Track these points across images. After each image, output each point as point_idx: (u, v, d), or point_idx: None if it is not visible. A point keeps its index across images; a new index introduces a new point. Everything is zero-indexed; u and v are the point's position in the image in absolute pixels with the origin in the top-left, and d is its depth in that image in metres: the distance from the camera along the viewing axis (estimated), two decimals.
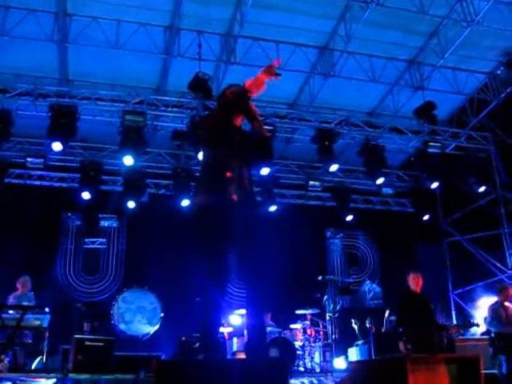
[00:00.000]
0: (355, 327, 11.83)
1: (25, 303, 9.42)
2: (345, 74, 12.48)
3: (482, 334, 10.55)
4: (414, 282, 9.18)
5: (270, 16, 11.26)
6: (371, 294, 14.28)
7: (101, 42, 11.15)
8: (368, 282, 14.15)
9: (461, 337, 10.32)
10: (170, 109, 12.37)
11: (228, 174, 4.61)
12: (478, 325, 9.96)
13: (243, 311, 10.96)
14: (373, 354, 10.37)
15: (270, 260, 5.11)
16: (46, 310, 8.76)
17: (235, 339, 11.00)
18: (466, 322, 10.24)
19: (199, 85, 11.38)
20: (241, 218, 4.55)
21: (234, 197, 4.58)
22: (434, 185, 13.91)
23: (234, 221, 4.54)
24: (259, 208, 4.71)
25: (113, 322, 11.90)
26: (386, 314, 10.91)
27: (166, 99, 12.38)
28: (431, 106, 12.61)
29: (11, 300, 9.85)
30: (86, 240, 14.13)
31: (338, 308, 14.04)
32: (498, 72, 12.94)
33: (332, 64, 12.24)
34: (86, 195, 13.11)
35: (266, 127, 5.07)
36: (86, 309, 11.42)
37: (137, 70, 12.14)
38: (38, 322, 8.61)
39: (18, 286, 10.22)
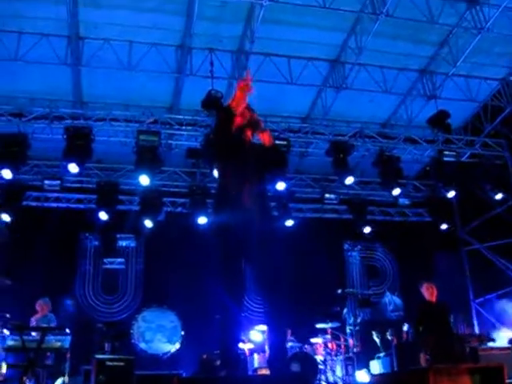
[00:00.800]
0: (376, 340, 11.76)
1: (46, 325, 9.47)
2: (357, 86, 12.49)
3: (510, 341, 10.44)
4: (429, 292, 9.16)
5: (280, 31, 11.33)
6: (392, 306, 14.20)
7: (113, 63, 11.27)
8: (388, 293, 14.06)
9: (484, 346, 10.21)
10: (183, 127, 12.42)
11: (241, 190, 4.67)
12: (494, 340, 9.86)
13: (263, 327, 10.95)
14: (395, 366, 10.28)
15: (288, 275, 5.13)
16: (67, 330, 8.78)
17: (256, 355, 10.97)
18: (483, 335, 10.10)
19: (212, 102, 11.43)
20: (257, 234, 4.58)
21: (249, 212, 4.61)
22: (451, 194, 13.82)
23: (250, 237, 4.58)
24: (275, 223, 4.74)
25: (133, 341, 11.94)
26: (405, 328, 10.84)
27: (180, 118, 12.43)
28: (445, 115, 12.57)
29: (33, 323, 9.91)
30: (105, 260, 14.16)
31: (358, 321, 13.97)
32: (511, 78, 12.91)
33: (344, 76, 12.27)
34: (103, 215, 13.18)
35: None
36: (107, 329, 11.45)
37: (150, 90, 12.24)
38: (59, 344, 8.62)
39: (38, 308, 10.27)
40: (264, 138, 4.98)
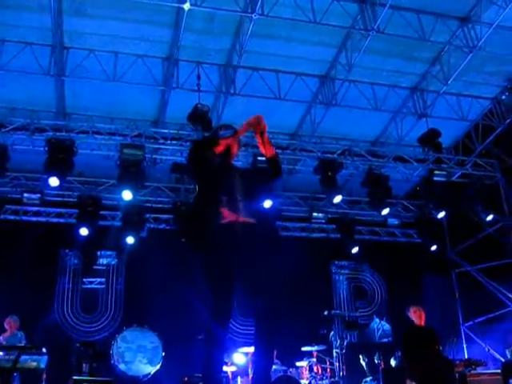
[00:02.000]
0: (363, 363, 11.66)
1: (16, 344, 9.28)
2: (347, 103, 12.51)
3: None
4: (416, 316, 9.06)
5: (269, 45, 11.34)
6: (380, 332, 14.10)
7: (98, 74, 11.22)
8: (376, 319, 13.97)
9: (473, 371, 10.13)
10: (169, 141, 12.34)
11: (226, 212, 4.70)
12: (485, 364, 9.79)
13: (247, 349, 10.83)
14: None
15: (277, 295, 5.08)
16: (43, 350, 8.60)
17: (239, 379, 10.83)
18: (472, 360, 10.02)
19: (198, 116, 11.40)
20: (247, 256, 4.57)
21: (238, 232, 4.62)
22: (441, 214, 13.84)
23: (240, 258, 4.58)
24: (268, 243, 4.71)
25: (112, 362, 11.72)
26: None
27: (165, 132, 12.36)
28: (435, 134, 12.60)
29: (2, 342, 9.72)
30: (84, 280, 14.00)
31: (345, 344, 13.87)
32: (503, 97, 13.00)
33: (333, 93, 12.28)
34: (83, 231, 13.06)
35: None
36: (85, 349, 11.28)
37: (135, 103, 12.20)
38: (34, 364, 8.44)
39: (6, 326, 10.14)
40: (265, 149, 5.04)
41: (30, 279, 12.45)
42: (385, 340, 13.10)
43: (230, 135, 4.97)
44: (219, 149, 4.89)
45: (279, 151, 12.82)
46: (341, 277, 15.94)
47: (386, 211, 13.76)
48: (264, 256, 4.72)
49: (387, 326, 13.87)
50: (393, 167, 13.67)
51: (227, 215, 4.70)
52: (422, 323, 9.03)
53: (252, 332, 4.69)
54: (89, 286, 14.10)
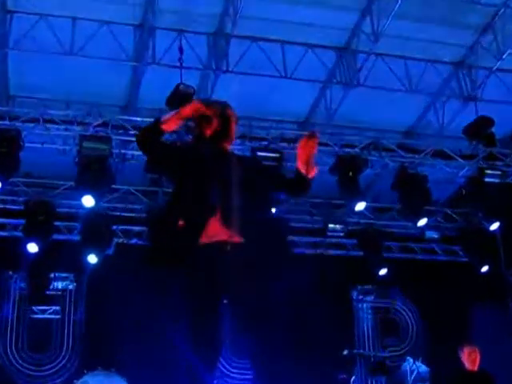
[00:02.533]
0: None
1: None
2: (372, 83, 12.54)
3: None
4: (470, 360, 9.11)
5: (272, 9, 11.39)
6: (414, 375, 14.16)
7: (51, 46, 11.21)
8: (409, 359, 14.02)
9: None
10: None
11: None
12: None
13: None
14: None
15: (279, 330, 5.12)
16: None
17: None
18: None
19: (181, 100, 11.36)
20: (238, 284, 4.55)
21: (228, 259, 4.59)
22: (494, 225, 13.86)
23: (229, 285, 4.56)
24: (269, 262, 4.68)
25: None
26: None
27: (138, 120, 12.28)
28: (487, 122, 12.63)
29: None
30: (34, 308, 14.03)
31: None
32: None
33: (355, 70, 12.31)
34: (32, 247, 13.02)
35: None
36: None
37: (99, 83, 12.18)
38: None
39: None
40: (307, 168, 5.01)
41: None
42: None
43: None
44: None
45: (284, 144, 12.86)
46: (364, 306, 15.98)
47: (422, 222, 13.77)
48: (262, 281, 4.71)
49: (424, 368, 13.93)
50: (432, 165, 13.69)
51: (215, 231, 4.65)
52: (475, 368, 9.09)
53: (249, 377, 4.75)
54: (39, 317, 14.13)
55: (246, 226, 4.58)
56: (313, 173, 4.99)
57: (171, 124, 4.79)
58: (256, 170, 5.12)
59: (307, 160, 4.97)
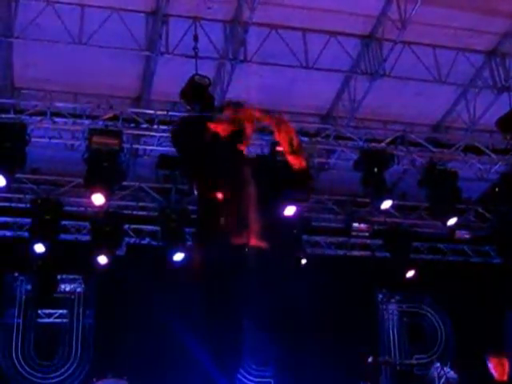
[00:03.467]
0: None
1: None
2: (399, 73, 12.48)
3: None
4: (498, 371, 9.03)
5: None
6: (442, 382, 14.08)
7: (59, 34, 11.17)
8: (438, 364, 13.95)
9: None
10: (155, 126, 12.34)
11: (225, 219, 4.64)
12: None
13: None
14: None
15: (301, 336, 5.11)
16: None
17: None
18: None
19: (196, 92, 11.37)
20: (256, 289, 4.54)
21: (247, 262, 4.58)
22: None
23: (248, 292, 4.55)
24: (287, 263, 4.66)
25: None
26: None
27: (150, 113, 12.37)
28: None
29: None
30: (40, 312, 14.05)
31: None
32: None
33: (381, 59, 12.21)
34: (39, 248, 13.07)
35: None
36: None
37: (109, 74, 12.17)
38: None
39: None
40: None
41: None
42: None
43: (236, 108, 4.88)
44: (221, 126, 4.83)
45: (305, 139, 12.80)
46: (390, 310, 15.93)
47: (452, 221, 13.68)
48: (283, 285, 4.70)
49: (452, 374, 13.84)
50: (462, 161, 13.64)
51: (234, 235, 4.65)
52: (505, 378, 9.00)
53: None
54: (46, 321, 14.15)
55: (264, 230, 4.60)
56: (302, 162, 4.92)
57: (221, 127, 4.80)
58: (268, 172, 5.08)
59: (291, 147, 4.90)
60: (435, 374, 14.19)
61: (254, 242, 4.60)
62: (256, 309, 4.59)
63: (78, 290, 14.46)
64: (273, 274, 4.64)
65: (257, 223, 4.67)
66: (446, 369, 13.98)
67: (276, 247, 4.68)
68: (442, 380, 13.91)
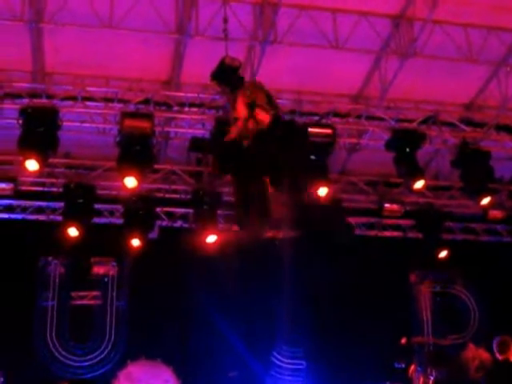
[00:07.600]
0: None
1: None
2: (430, 53, 12.43)
3: None
4: (499, 349, 9.15)
5: None
6: (476, 363, 14.04)
7: (88, 19, 11.23)
8: (472, 346, 13.90)
9: None
10: (186, 108, 12.41)
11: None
12: None
13: None
14: None
15: (332, 316, 5.15)
16: None
17: None
18: None
19: (226, 74, 11.35)
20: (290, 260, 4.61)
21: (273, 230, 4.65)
22: None
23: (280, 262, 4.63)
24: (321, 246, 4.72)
25: None
26: None
27: (181, 95, 12.44)
28: None
29: None
30: (73, 294, 14.18)
31: (430, 382, 13.84)
32: None
33: (411, 39, 12.16)
34: (72, 232, 13.18)
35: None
36: None
37: (139, 57, 12.20)
38: None
39: None
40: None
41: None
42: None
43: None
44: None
45: (337, 119, 12.79)
46: (423, 291, 15.87)
47: (485, 201, 13.60)
48: (317, 267, 4.76)
49: (487, 356, 13.81)
50: (495, 140, 13.58)
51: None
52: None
53: (301, 367, 4.77)
54: (79, 303, 14.23)
55: (296, 217, 4.65)
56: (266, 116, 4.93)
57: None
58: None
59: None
60: (469, 356, 14.17)
61: (283, 233, 4.66)
62: (290, 292, 4.65)
63: (111, 272, 14.50)
64: (305, 259, 4.69)
65: (288, 213, 4.71)
66: (480, 350, 13.96)
67: (310, 233, 4.73)
68: (477, 362, 13.88)
